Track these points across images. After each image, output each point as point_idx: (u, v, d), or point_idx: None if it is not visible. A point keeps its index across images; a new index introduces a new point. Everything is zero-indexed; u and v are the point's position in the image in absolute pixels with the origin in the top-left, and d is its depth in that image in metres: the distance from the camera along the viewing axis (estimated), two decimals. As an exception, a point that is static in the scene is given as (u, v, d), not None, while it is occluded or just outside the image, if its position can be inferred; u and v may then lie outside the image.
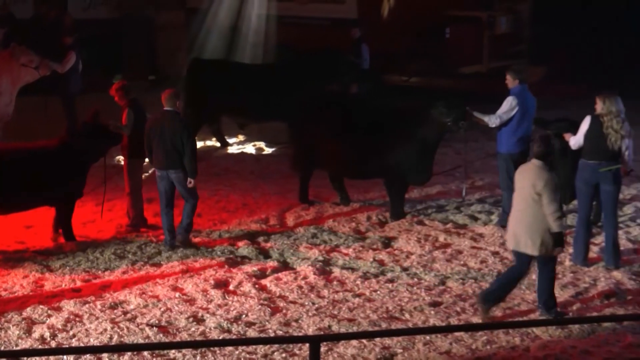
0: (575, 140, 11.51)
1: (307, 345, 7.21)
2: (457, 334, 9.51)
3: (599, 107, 11.21)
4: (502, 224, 12.68)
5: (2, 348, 9.23)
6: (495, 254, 11.79)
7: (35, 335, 9.52)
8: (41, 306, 10.12)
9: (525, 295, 10.54)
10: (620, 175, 11.33)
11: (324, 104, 13.87)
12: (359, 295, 10.54)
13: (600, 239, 11.84)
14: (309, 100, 13.96)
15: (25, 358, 8.26)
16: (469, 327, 9.70)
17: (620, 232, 11.94)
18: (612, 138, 11.07)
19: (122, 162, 12.75)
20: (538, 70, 20.18)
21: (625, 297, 10.51)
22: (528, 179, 9.82)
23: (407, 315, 10.03)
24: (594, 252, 11.71)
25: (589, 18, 21.64)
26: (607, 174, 11.16)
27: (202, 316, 9.98)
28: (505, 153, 12.65)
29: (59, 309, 10.09)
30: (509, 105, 12.45)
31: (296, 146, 13.99)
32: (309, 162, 13.60)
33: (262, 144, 17.24)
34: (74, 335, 9.51)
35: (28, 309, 10.05)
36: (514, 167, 12.52)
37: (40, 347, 9.24)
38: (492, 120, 12.54)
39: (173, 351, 9.08)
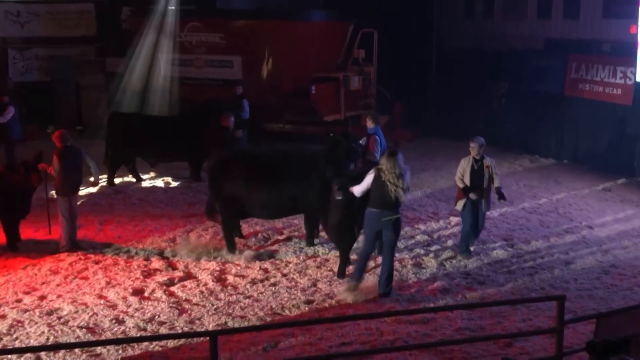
0: (359, 190, 10.37)
1: (208, 338, 7.03)
2: (327, 324, 9.42)
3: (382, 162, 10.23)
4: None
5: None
6: (353, 261, 11.75)
7: (-16, 339, 9.04)
8: (-12, 315, 9.64)
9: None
10: (399, 224, 10.44)
11: (229, 158, 12.41)
12: (248, 297, 10.38)
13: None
14: (218, 157, 12.39)
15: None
16: (337, 319, 9.57)
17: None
18: (391, 190, 10.02)
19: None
20: (383, 118, 20.43)
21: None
22: None
23: (287, 312, 9.91)
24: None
25: (416, 78, 22.19)
26: (388, 223, 10.21)
27: (123, 318, 9.68)
28: None
29: (3, 317, 9.62)
30: (377, 142, 12.78)
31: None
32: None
33: (169, 179, 16.91)
34: (16, 338, 9.08)
35: (-23, 318, 9.56)
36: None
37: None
38: (375, 156, 12.65)
39: (99, 348, 8.75)
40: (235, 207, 11.89)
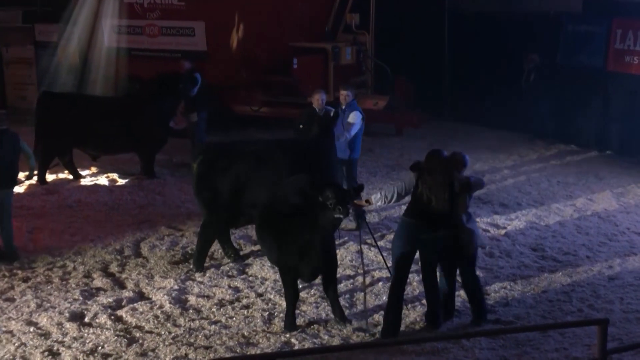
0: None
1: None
2: (313, 355, 9.45)
3: None
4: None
5: None
6: (349, 277, 11.82)
7: None
8: None
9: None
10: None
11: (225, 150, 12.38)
12: (215, 323, 10.41)
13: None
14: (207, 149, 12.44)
15: None
16: (326, 349, 9.64)
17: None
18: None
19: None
20: (382, 99, 20.48)
21: None
22: None
23: (263, 341, 9.92)
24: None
25: (425, 49, 22.22)
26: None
27: (58, 350, 9.67)
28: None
29: None
30: (358, 118, 13.26)
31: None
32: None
33: (115, 175, 16.91)
34: None
35: None
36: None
37: None
38: (348, 134, 13.19)
39: (28, 387, 8.80)
40: (233, 214, 11.91)
